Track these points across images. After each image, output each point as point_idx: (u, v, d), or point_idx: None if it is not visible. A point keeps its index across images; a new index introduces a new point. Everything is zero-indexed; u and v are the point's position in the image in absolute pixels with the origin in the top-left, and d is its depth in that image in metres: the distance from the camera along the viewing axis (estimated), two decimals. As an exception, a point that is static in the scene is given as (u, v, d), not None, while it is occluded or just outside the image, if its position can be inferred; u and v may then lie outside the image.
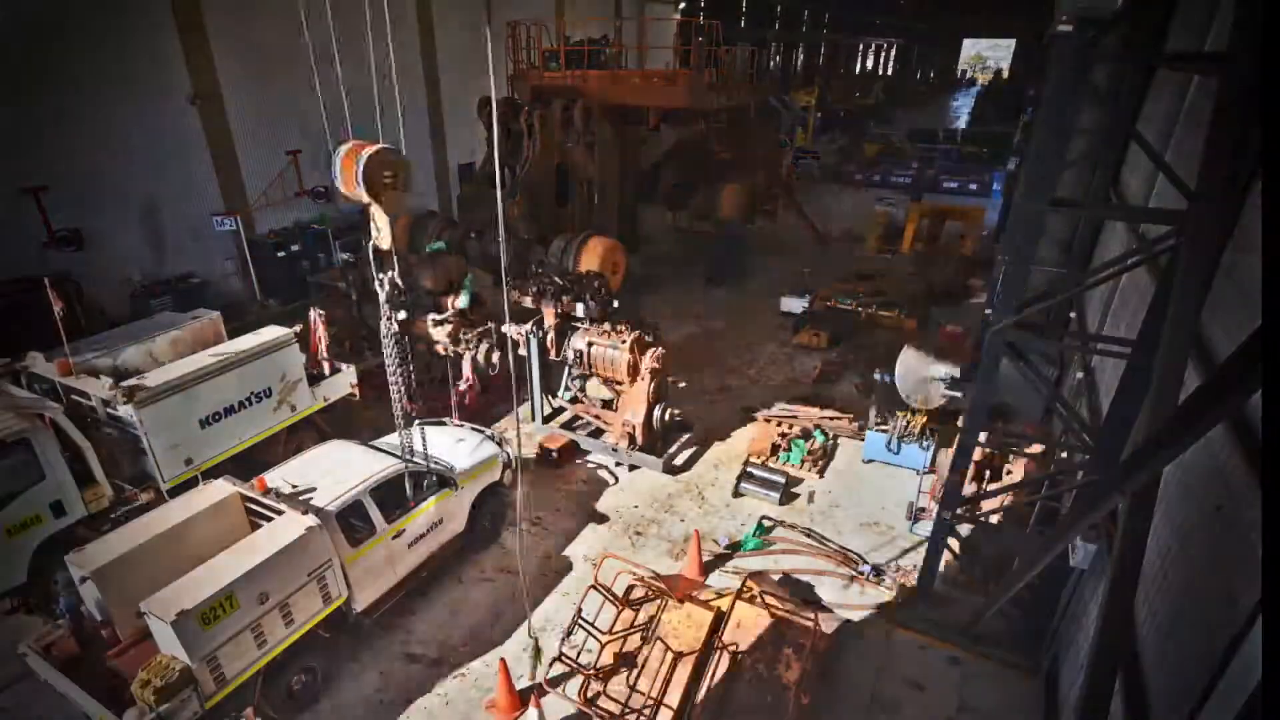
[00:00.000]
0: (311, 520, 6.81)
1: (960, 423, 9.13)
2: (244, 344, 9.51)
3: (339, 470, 7.79)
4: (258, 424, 9.57)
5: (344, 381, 10.83)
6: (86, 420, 8.51)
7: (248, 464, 9.73)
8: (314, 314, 10.88)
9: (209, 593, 5.91)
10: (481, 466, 8.96)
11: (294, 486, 7.51)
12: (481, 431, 9.86)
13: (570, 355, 10.93)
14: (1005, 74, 79.17)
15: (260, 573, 6.26)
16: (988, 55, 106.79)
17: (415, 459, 8.17)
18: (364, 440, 9.08)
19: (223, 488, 7.36)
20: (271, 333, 9.82)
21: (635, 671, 6.64)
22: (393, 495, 7.77)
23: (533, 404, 11.55)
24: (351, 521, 7.32)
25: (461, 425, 10.14)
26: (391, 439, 9.37)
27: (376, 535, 7.48)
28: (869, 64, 77.34)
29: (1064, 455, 8.65)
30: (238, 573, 6.12)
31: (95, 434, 8.41)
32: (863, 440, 11.07)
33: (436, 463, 8.53)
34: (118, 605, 6.45)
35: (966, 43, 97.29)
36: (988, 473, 9.31)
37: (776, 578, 8.53)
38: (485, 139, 15.71)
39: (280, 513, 6.96)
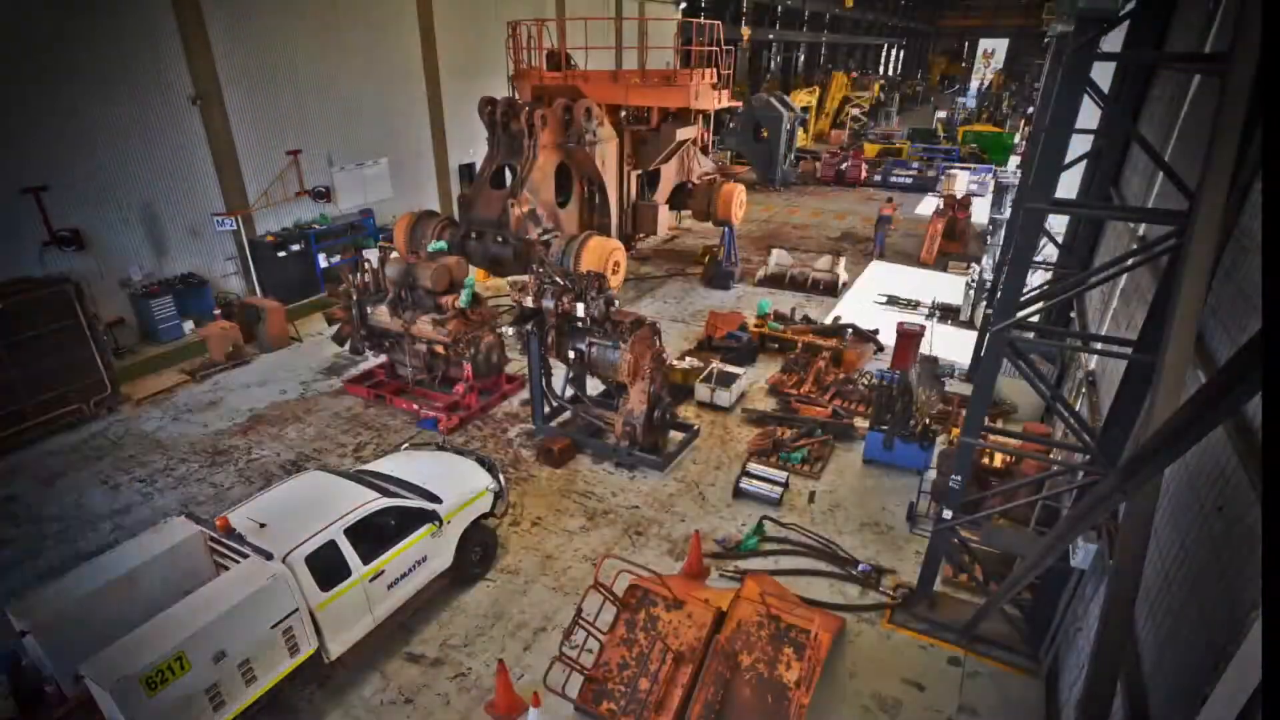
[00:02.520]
0: (276, 567, 6.22)
1: (959, 422, 9.15)
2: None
3: (312, 506, 7.15)
4: None
5: None
6: None
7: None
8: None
9: (156, 654, 5.33)
10: (470, 499, 8.29)
11: (261, 525, 6.81)
12: (471, 457, 9.20)
13: (570, 355, 10.94)
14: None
15: (215, 629, 5.70)
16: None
17: (397, 493, 7.62)
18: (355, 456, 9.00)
19: (184, 527, 6.77)
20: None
21: (635, 672, 6.65)
22: (371, 532, 7.18)
23: (534, 404, 11.55)
24: (324, 564, 6.71)
25: (452, 450, 9.48)
26: (376, 465, 8.89)
27: (352, 578, 6.90)
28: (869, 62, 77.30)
29: (1064, 455, 8.64)
30: (189, 630, 5.56)
31: None
32: (863, 440, 11.09)
33: (421, 495, 8.00)
34: (63, 662, 5.73)
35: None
36: (988, 473, 9.31)
37: (776, 578, 8.53)
38: (486, 139, 15.70)
39: (245, 556, 6.39)
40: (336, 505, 7.14)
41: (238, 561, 6.42)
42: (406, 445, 10.02)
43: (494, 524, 8.75)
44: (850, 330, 14.82)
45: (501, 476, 8.97)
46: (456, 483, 8.44)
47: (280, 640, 6.24)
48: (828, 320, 15.91)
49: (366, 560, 7.07)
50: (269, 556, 6.33)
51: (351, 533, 6.97)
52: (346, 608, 6.92)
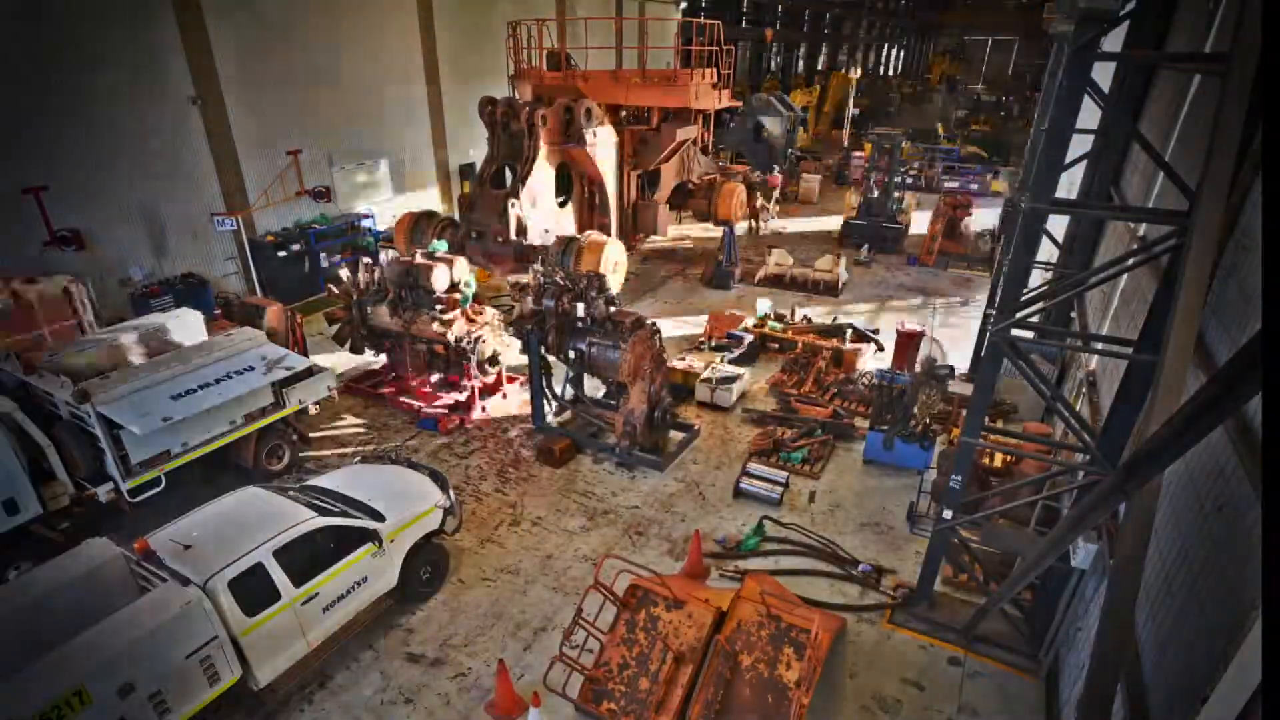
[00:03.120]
0: (192, 593, 5.93)
1: (959, 422, 9.15)
2: (214, 345, 9.35)
3: (243, 526, 6.83)
4: (226, 426, 9.46)
5: (321, 384, 10.73)
6: (51, 418, 8.46)
7: (218, 465, 9.75)
8: (284, 311, 10.96)
9: (52, 690, 5.02)
10: (416, 516, 7.95)
11: (186, 547, 6.50)
12: (424, 471, 8.85)
13: (570, 355, 10.94)
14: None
15: (121, 661, 5.40)
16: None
17: (333, 514, 7.32)
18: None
19: (104, 548, 6.56)
20: (242, 334, 9.69)
21: (636, 672, 6.65)
22: (306, 552, 6.89)
23: (534, 404, 11.55)
24: (250, 587, 6.41)
25: (405, 464, 9.18)
26: (322, 480, 8.62)
27: (282, 602, 6.59)
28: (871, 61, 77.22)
29: (1065, 455, 8.64)
30: (91, 663, 5.27)
31: (58, 432, 8.29)
32: (863, 440, 11.08)
33: (365, 512, 7.70)
34: None
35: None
36: (988, 473, 9.31)
37: (777, 578, 8.52)
38: (486, 139, 15.69)
39: (162, 580, 6.14)
40: (269, 525, 6.82)
41: (155, 586, 6.18)
42: (361, 459, 9.79)
43: (444, 543, 8.52)
44: (850, 330, 14.82)
45: (453, 492, 8.68)
46: (403, 499, 8.07)
47: (198, 670, 5.93)
48: (828, 320, 15.90)
49: (299, 582, 6.77)
50: (186, 582, 6.08)
51: (282, 554, 6.68)
52: (276, 633, 6.61)
